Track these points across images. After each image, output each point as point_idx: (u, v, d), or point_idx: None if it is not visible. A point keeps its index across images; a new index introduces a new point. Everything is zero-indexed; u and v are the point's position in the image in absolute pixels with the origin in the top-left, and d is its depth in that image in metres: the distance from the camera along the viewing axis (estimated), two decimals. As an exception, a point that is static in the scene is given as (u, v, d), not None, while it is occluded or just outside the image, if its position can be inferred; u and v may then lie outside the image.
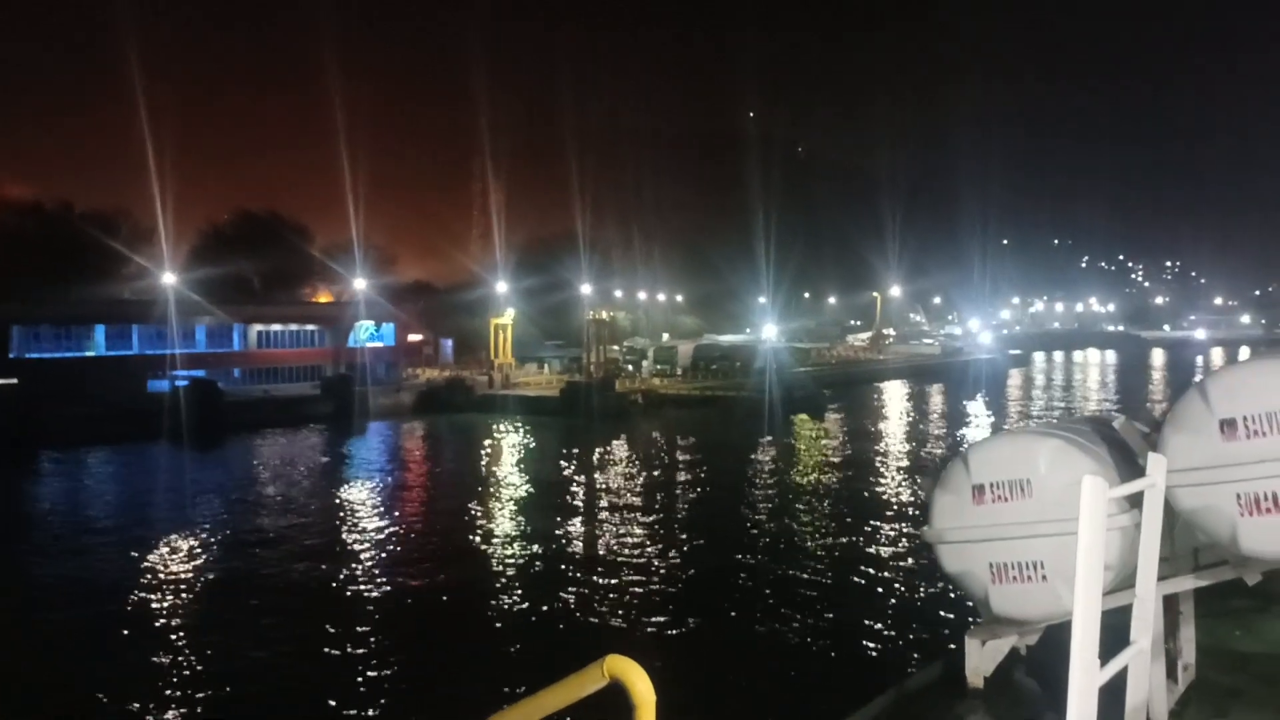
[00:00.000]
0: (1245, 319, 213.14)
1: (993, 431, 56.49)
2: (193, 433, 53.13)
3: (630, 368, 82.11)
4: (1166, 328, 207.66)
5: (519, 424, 62.38)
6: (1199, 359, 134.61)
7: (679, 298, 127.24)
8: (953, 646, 6.94)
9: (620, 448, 52.02)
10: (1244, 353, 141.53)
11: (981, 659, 6.64)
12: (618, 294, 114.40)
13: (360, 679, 18.75)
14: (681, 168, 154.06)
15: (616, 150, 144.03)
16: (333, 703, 17.55)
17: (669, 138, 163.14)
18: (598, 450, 50.53)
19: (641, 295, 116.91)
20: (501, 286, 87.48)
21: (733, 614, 22.57)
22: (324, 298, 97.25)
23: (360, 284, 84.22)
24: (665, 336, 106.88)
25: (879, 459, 46.60)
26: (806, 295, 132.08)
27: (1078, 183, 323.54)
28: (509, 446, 54.46)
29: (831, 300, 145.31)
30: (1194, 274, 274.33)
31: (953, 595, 21.83)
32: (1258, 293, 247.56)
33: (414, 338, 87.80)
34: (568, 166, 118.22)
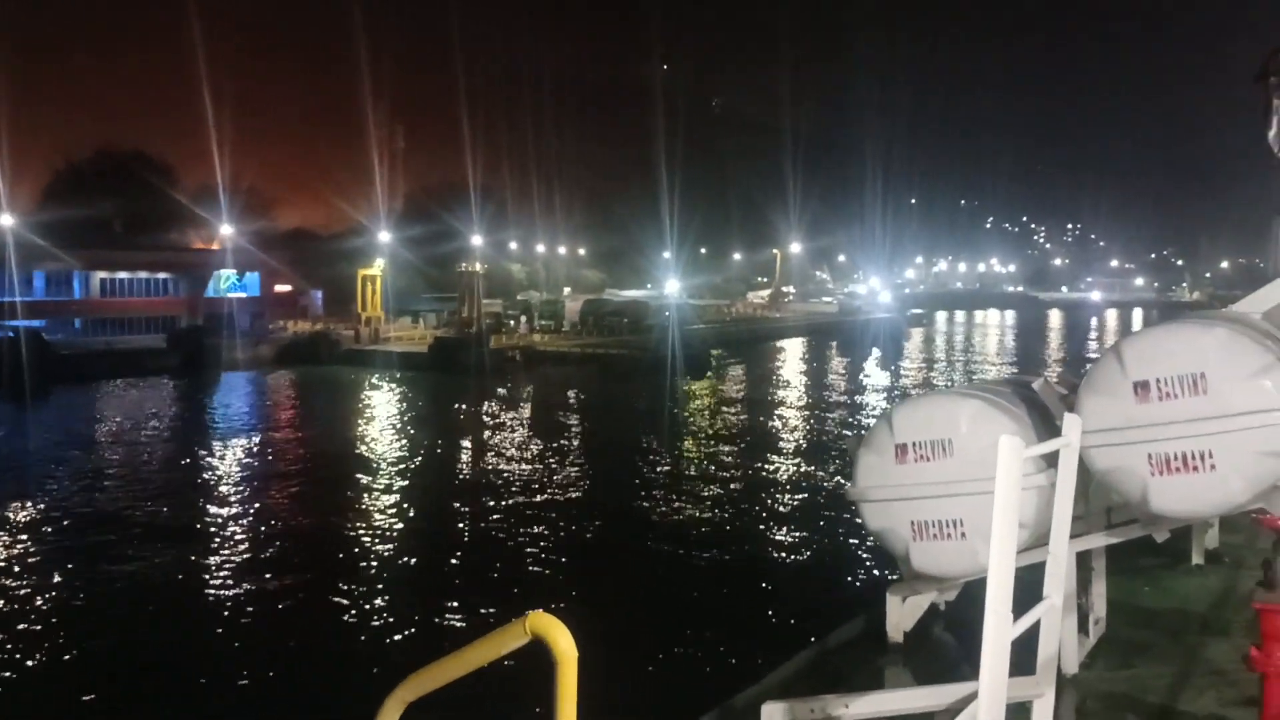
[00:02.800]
0: (1139, 282, 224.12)
1: (901, 393, 58.20)
2: (13, 385, 50.98)
3: (512, 323, 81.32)
4: (1064, 289, 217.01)
5: (383, 380, 61.17)
6: (1094, 320, 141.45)
7: (581, 251, 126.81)
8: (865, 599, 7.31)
9: (487, 405, 51.61)
10: (1137, 315, 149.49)
11: (902, 614, 7.04)
12: (513, 246, 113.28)
13: (263, 642, 18.37)
14: (587, 119, 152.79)
15: (517, 99, 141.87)
16: (230, 673, 17.12)
17: (574, 88, 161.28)
18: (462, 407, 50.13)
19: (540, 248, 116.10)
20: (384, 235, 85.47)
21: (650, 571, 22.94)
22: (201, 246, 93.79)
23: (226, 230, 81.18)
24: (567, 290, 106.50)
25: (755, 418, 47.21)
26: (703, 251, 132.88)
27: (985, 145, 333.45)
28: (366, 403, 53.37)
29: (736, 256, 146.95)
30: (1093, 237, 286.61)
31: (867, 556, 22.66)
32: (1153, 256, 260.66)
33: (282, 288, 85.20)
34: (464, 113, 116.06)
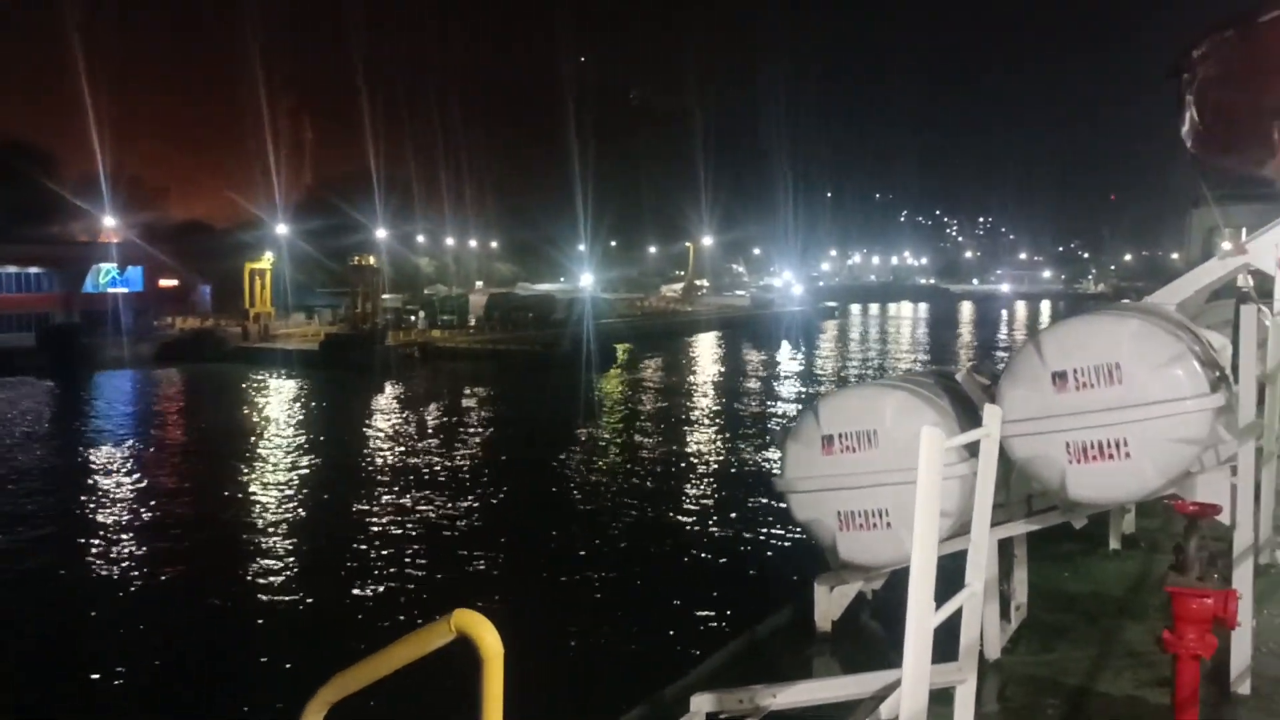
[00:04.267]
0: (1047, 274, 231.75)
1: (805, 387, 58.95)
2: None
3: (412, 318, 79.96)
4: (975, 281, 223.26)
5: (270, 379, 59.82)
6: (1004, 313, 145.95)
7: (494, 244, 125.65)
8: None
9: (379, 404, 50.69)
10: (1045, 306, 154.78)
11: (829, 604, 7.23)
12: (420, 239, 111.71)
13: (178, 648, 18.13)
14: (499, 111, 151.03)
15: (427, 90, 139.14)
16: (146, 680, 16.85)
17: (486, 79, 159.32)
18: (351, 406, 49.20)
19: (450, 241, 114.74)
20: (281, 228, 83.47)
21: (573, 565, 23.11)
22: (85, 240, 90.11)
23: (109, 222, 78.27)
24: (479, 284, 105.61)
25: (655, 412, 47.62)
26: (613, 244, 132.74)
27: (899, 140, 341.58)
28: (247, 403, 51.79)
29: (652, 250, 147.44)
30: (1003, 230, 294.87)
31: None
32: (1060, 249, 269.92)
33: (168, 282, 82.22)
34: (366, 103, 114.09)
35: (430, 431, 42.03)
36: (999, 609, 6.95)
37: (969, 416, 6.36)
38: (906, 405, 6.36)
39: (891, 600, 6.86)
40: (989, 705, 6.30)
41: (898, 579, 6.68)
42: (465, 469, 34.21)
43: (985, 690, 6.22)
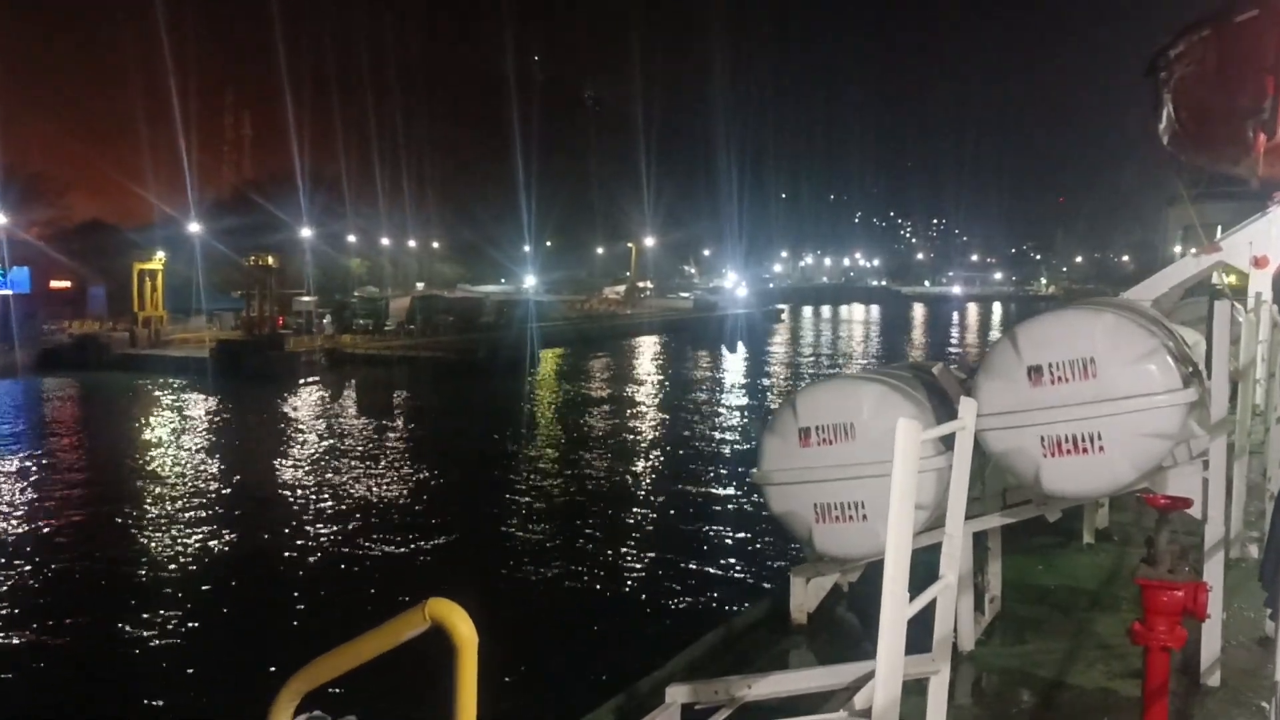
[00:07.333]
0: (998, 276, 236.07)
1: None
2: None
3: (325, 322, 77.57)
4: (926, 283, 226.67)
5: (152, 388, 57.47)
6: (956, 315, 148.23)
7: (435, 245, 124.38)
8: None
9: (264, 413, 48.75)
10: (996, 308, 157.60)
11: (805, 596, 7.49)
12: (351, 239, 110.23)
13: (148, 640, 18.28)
14: (442, 107, 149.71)
15: (362, 83, 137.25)
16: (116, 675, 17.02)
17: (426, 74, 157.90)
18: (234, 418, 47.52)
19: (385, 241, 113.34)
20: (194, 226, 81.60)
21: (551, 559, 23.39)
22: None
23: (-1, 219, 75.90)
24: (420, 286, 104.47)
25: (567, 421, 47.44)
26: (550, 244, 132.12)
27: (855, 141, 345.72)
28: (112, 415, 49.06)
29: (600, 251, 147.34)
30: (957, 231, 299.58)
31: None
32: (1013, 250, 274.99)
33: (60, 284, 79.48)
34: (292, 96, 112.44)
35: (323, 442, 40.55)
36: (973, 601, 7.22)
37: (946, 410, 6.59)
38: (884, 398, 6.59)
39: (867, 592, 7.08)
40: (962, 696, 6.55)
41: (873, 571, 6.90)
42: (344, 484, 33.00)
43: (959, 681, 6.47)
